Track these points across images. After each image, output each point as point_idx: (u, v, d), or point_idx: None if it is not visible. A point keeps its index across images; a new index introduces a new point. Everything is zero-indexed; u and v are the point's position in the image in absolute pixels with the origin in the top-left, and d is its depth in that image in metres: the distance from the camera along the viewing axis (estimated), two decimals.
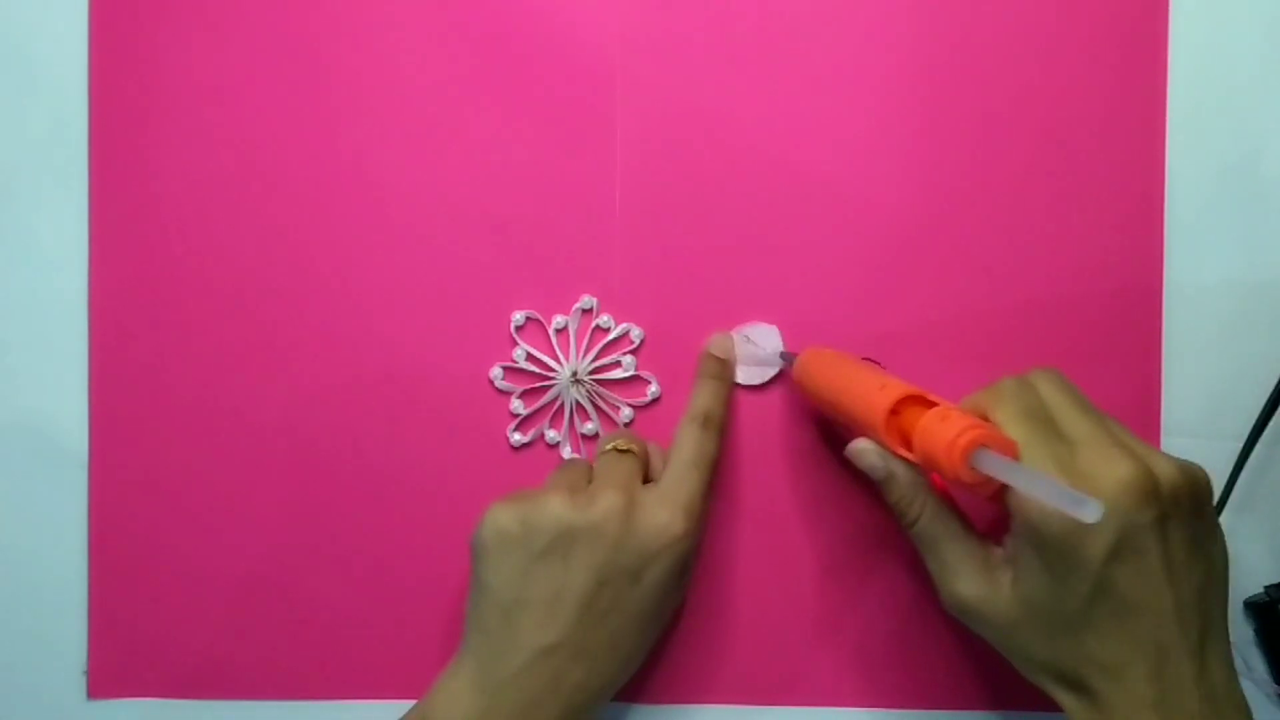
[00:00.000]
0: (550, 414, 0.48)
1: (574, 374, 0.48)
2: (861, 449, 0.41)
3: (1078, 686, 0.39)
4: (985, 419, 0.39)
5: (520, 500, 0.42)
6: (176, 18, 0.48)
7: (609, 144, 0.48)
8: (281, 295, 0.48)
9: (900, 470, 0.41)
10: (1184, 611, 0.38)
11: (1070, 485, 0.37)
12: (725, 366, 0.47)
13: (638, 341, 0.48)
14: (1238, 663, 0.40)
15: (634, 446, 0.45)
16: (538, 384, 0.48)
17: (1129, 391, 0.48)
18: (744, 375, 0.47)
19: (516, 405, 0.48)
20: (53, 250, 0.48)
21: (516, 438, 0.48)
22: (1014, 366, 0.48)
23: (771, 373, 0.47)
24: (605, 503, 0.41)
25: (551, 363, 0.48)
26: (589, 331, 0.48)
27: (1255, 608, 0.48)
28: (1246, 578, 0.48)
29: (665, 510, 0.42)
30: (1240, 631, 0.48)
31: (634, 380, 0.48)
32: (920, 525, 0.41)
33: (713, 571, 0.48)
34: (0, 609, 0.48)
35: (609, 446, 0.45)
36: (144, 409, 0.48)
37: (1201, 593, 0.38)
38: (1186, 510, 0.38)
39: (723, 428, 0.46)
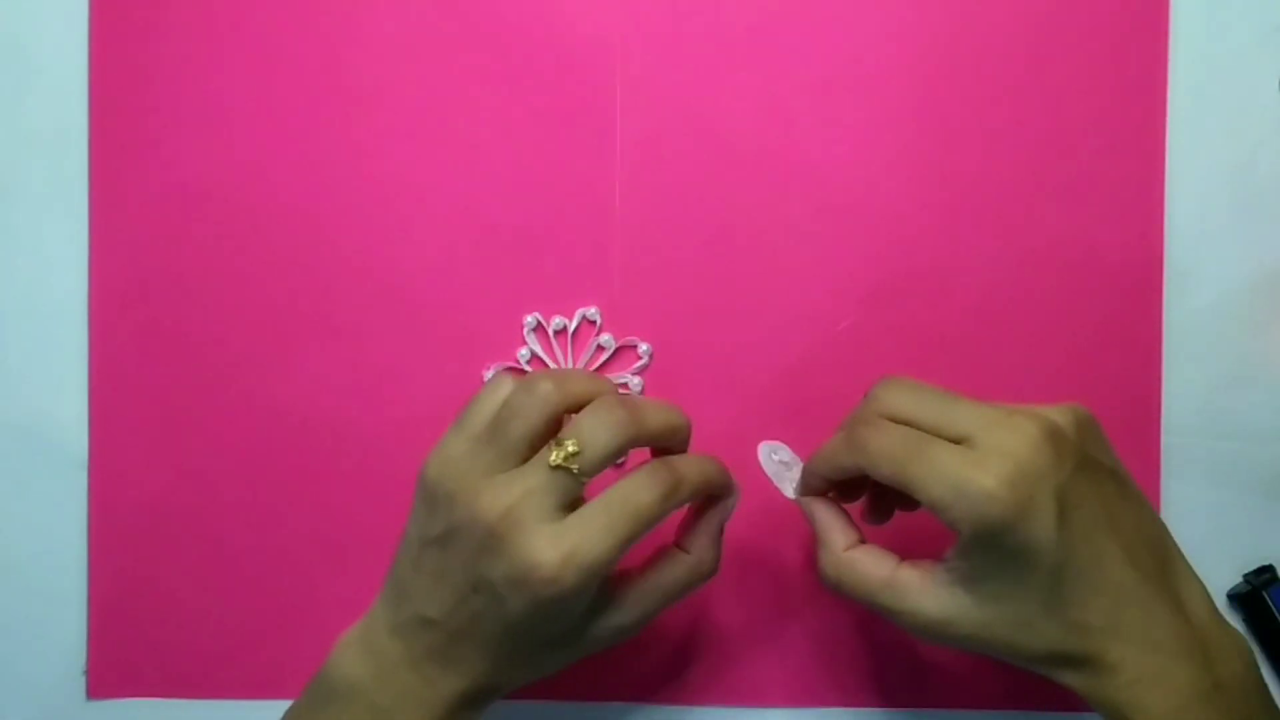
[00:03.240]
0: None
1: None
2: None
3: (1076, 661, 0.38)
4: (858, 478, 0.41)
5: (452, 451, 0.39)
6: (177, 18, 0.48)
7: (608, 147, 0.48)
8: (282, 296, 0.48)
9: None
10: (1133, 550, 0.38)
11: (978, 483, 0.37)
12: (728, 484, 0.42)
13: (645, 358, 0.48)
14: None
15: (583, 465, 0.38)
16: None
17: (1129, 391, 0.48)
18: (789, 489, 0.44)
19: None
20: (53, 250, 0.48)
21: None
22: (1014, 365, 0.48)
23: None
24: (496, 509, 0.38)
25: (552, 365, 0.48)
26: (592, 343, 0.48)
27: (1239, 599, 0.48)
28: (1225, 570, 0.48)
29: (552, 550, 0.37)
30: None
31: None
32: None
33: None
34: (0, 609, 0.48)
35: (556, 457, 0.38)
36: (144, 409, 0.48)
37: (1139, 527, 0.39)
38: (1094, 447, 0.39)
39: (681, 499, 0.40)
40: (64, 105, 0.48)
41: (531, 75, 0.48)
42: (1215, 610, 0.40)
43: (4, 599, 0.48)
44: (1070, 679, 0.39)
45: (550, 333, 0.48)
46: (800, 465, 0.44)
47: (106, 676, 0.48)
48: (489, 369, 0.48)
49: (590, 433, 0.38)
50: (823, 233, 0.48)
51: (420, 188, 0.48)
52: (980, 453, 0.37)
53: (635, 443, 0.39)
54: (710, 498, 0.42)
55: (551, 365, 0.48)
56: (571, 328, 0.48)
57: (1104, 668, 0.38)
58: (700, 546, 0.42)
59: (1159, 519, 0.41)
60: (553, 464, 0.38)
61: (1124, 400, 0.48)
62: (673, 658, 0.48)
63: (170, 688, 0.48)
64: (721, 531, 0.43)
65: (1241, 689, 0.39)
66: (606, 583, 0.40)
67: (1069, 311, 0.48)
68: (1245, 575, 0.48)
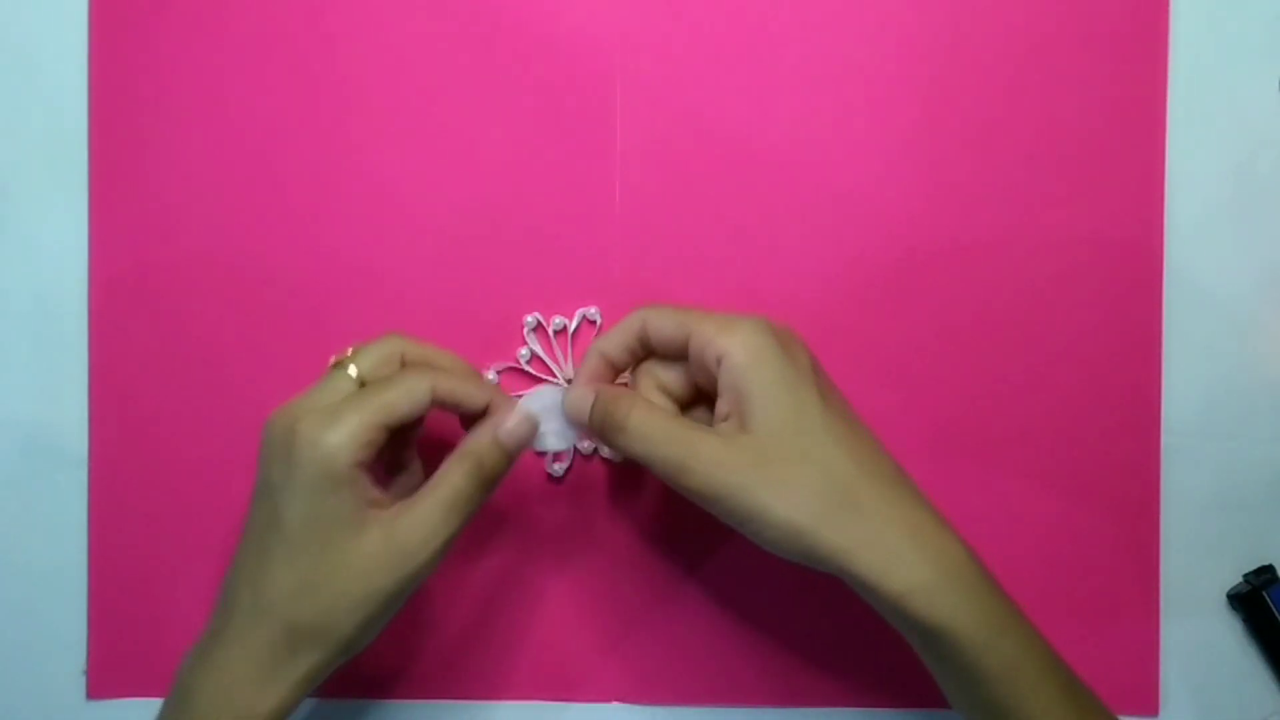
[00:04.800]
0: None
1: (569, 381, 0.48)
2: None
3: (845, 506, 0.39)
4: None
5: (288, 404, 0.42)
6: (176, 17, 0.48)
7: (608, 147, 0.48)
8: (281, 295, 0.48)
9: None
10: (858, 426, 0.42)
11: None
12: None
13: None
14: None
15: (356, 364, 0.41)
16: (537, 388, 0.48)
17: (1129, 391, 0.48)
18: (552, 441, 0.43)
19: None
20: (53, 250, 0.48)
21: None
22: (1015, 364, 0.48)
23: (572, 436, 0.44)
24: (289, 419, 0.40)
25: (553, 365, 0.48)
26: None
27: (1239, 599, 0.48)
28: (1225, 570, 0.48)
29: (316, 424, 0.39)
30: (1227, 626, 0.48)
31: None
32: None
33: (710, 573, 0.48)
34: (0, 609, 0.48)
35: (334, 360, 0.42)
36: (144, 409, 0.48)
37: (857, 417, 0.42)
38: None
39: (436, 382, 0.41)
40: (64, 105, 0.48)
41: (532, 75, 0.48)
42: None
43: (4, 599, 0.48)
44: (837, 537, 0.39)
45: (550, 333, 0.48)
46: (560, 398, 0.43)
47: (106, 676, 0.48)
48: (489, 369, 0.48)
49: (366, 345, 0.42)
50: (822, 232, 0.48)
51: (420, 187, 0.48)
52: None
53: (403, 347, 0.42)
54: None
55: (552, 365, 0.48)
56: (571, 328, 0.48)
57: (859, 507, 0.39)
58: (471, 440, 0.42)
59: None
60: (331, 364, 0.42)
61: (1124, 400, 0.48)
62: (667, 657, 0.48)
63: (170, 688, 0.48)
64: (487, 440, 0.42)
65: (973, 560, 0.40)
66: (396, 511, 0.40)
67: (1069, 311, 0.48)
68: (1245, 575, 0.48)
